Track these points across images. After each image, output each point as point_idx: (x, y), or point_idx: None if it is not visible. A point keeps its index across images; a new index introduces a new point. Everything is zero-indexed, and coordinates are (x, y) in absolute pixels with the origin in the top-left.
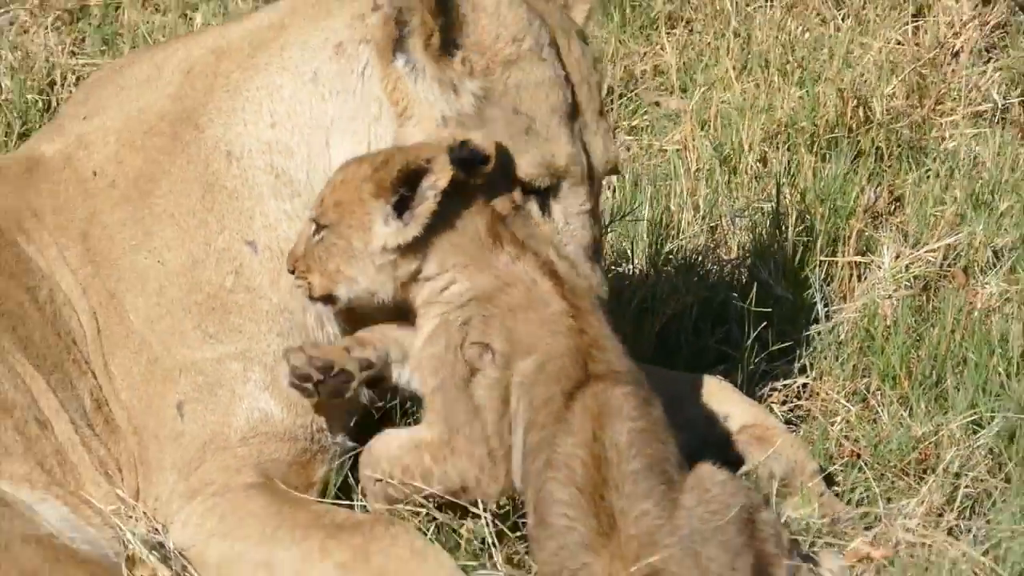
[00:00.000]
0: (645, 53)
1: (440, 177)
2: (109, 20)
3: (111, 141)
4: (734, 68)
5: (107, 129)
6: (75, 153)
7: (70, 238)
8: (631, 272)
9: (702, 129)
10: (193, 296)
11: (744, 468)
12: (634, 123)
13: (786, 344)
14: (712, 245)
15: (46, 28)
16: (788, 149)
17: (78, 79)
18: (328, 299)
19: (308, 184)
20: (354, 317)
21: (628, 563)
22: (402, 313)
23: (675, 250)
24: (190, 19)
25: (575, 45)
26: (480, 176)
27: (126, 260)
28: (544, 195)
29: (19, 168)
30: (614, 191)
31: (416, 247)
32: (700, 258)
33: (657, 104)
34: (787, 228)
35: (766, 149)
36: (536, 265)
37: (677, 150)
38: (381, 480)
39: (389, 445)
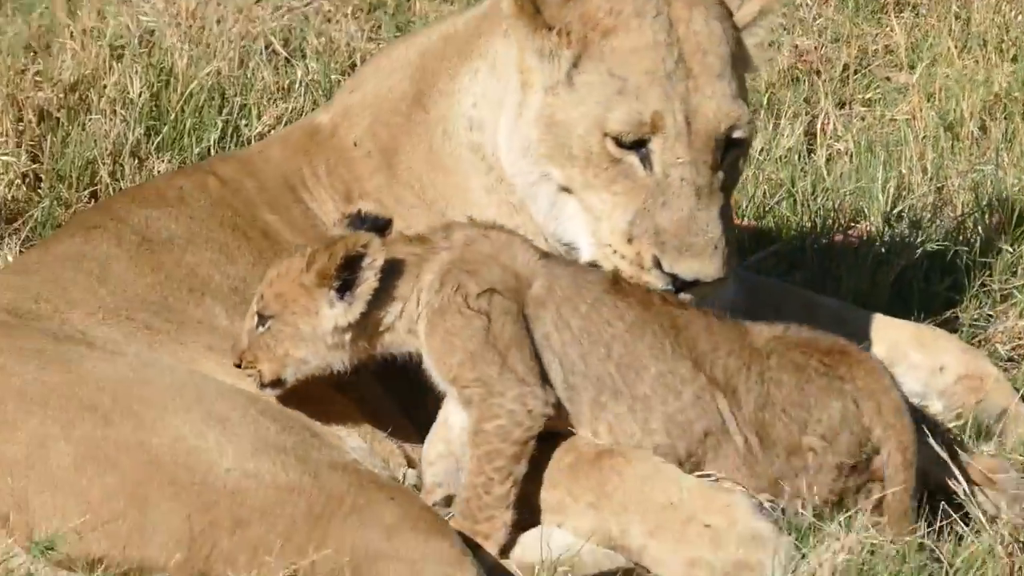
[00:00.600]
0: (877, 34)
1: (377, 257)
2: (402, 9)
3: (367, 115)
4: (955, 46)
5: (365, 104)
6: (341, 123)
7: (340, 197)
8: (868, 229)
9: (928, 101)
10: None
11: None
12: (868, 96)
13: (1007, 290)
14: (939, 203)
15: (346, 16)
16: (1005, 118)
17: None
18: (276, 383)
19: (494, 158)
20: None
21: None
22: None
23: (907, 208)
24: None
25: (698, 18)
26: (387, 236)
27: None
28: (642, 150)
29: (301, 133)
30: (851, 157)
31: (368, 313)
32: (929, 215)
33: (888, 79)
34: (1006, 187)
35: (985, 118)
36: (471, 227)
37: (906, 120)
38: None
39: (450, 444)
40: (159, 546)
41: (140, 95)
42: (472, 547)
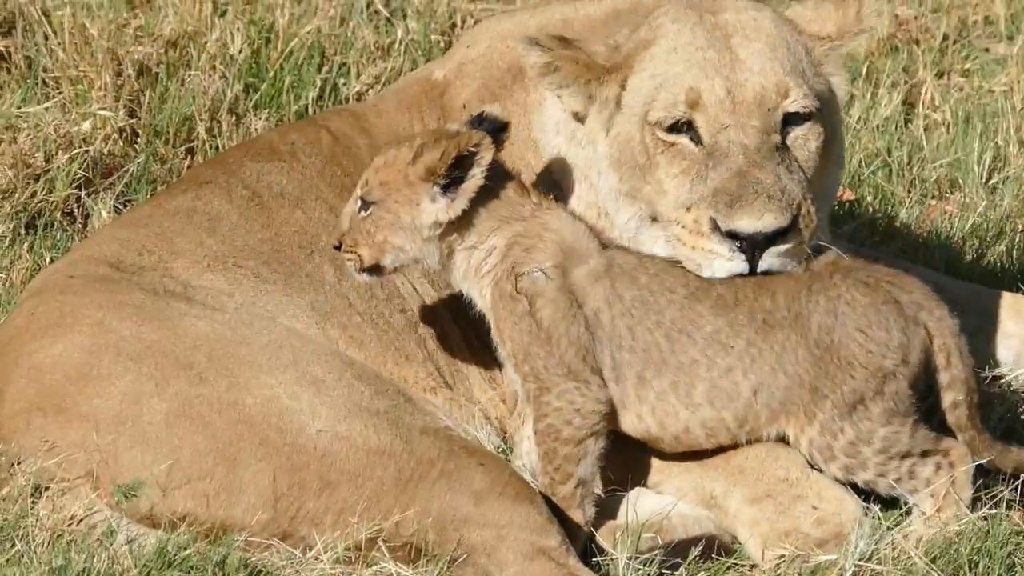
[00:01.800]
0: (977, 4)
1: (485, 156)
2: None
3: (477, 78)
4: None
5: (478, 64)
6: (454, 81)
7: None
8: (962, 200)
9: None
10: None
11: None
12: (966, 67)
13: None
14: None
15: None
16: None
17: (475, 22)
18: (375, 269)
19: (583, 171)
20: None
21: None
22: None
23: (1002, 180)
24: None
25: (745, 16)
26: (503, 142)
27: None
28: (690, 131)
29: (417, 88)
30: (948, 128)
31: (462, 219)
32: None
33: (987, 50)
34: None
35: None
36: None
37: (1004, 91)
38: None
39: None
40: (245, 505)
41: (240, 52)
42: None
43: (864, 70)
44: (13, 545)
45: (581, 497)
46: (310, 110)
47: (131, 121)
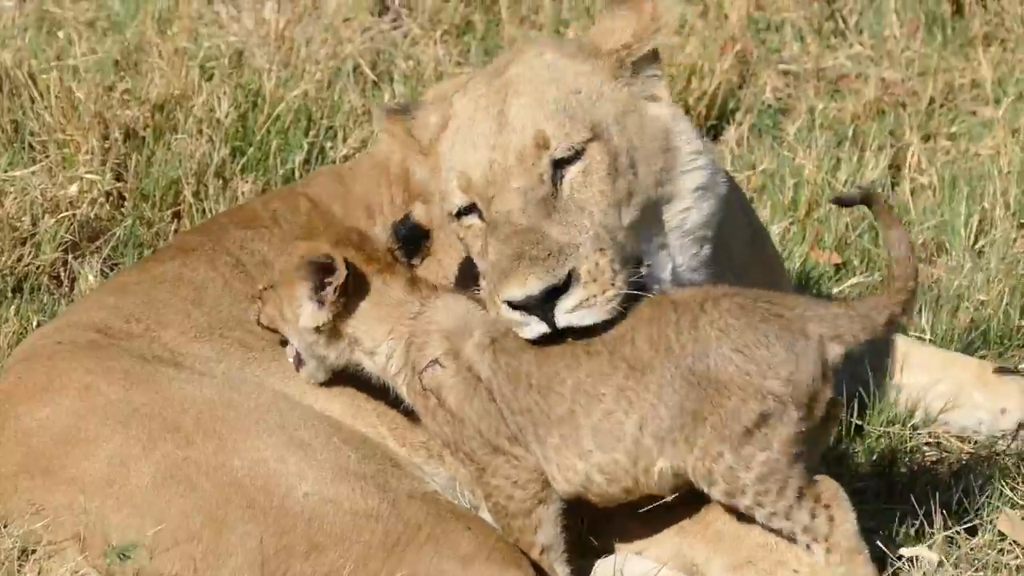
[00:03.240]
0: (963, 68)
1: (338, 277)
2: (491, 34)
3: (372, 176)
4: None
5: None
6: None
7: None
8: (948, 263)
9: (1013, 136)
10: None
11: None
12: (953, 130)
13: None
14: (1022, 239)
15: (435, 41)
16: None
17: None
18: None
19: None
20: None
21: None
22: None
23: (988, 243)
24: (562, 33)
25: (526, 65)
26: (425, 251)
27: (446, 260)
28: (476, 210)
29: (383, 155)
30: (935, 191)
31: (338, 329)
32: (1011, 250)
33: (973, 113)
34: None
35: None
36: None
37: (991, 155)
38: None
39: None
40: (232, 568)
41: (227, 115)
42: None
43: (851, 133)
44: None
45: (551, 561)
46: (297, 173)
47: (118, 184)
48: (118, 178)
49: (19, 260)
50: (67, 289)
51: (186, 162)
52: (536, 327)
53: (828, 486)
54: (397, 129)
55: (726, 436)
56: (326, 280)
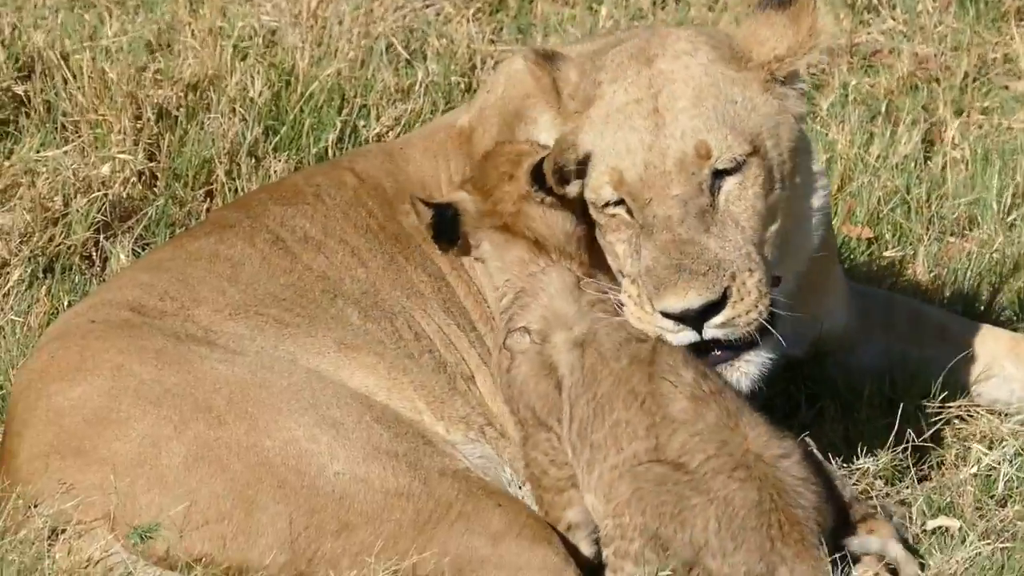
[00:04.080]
0: (996, 42)
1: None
2: (524, 12)
3: (496, 121)
4: None
5: (495, 108)
6: (476, 128)
7: None
8: (980, 237)
9: None
10: None
11: None
12: (985, 104)
13: None
14: None
15: (468, 19)
16: None
17: (495, 63)
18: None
19: None
20: None
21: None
22: None
23: (1021, 217)
24: (595, 11)
25: (679, 65)
26: (456, 248)
27: None
28: (624, 204)
29: (444, 134)
30: (967, 165)
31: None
32: None
33: (1006, 88)
34: None
35: None
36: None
37: (1023, 128)
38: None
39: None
40: (263, 547)
41: (260, 95)
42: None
43: (884, 108)
44: None
45: (577, 539)
46: (330, 152)
47: (150, 164)
48: (151, 158)
49: (51, 240)
50: (99, 269)
51: (219, 141)
52: (687, 335)
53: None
54: (543, 75)
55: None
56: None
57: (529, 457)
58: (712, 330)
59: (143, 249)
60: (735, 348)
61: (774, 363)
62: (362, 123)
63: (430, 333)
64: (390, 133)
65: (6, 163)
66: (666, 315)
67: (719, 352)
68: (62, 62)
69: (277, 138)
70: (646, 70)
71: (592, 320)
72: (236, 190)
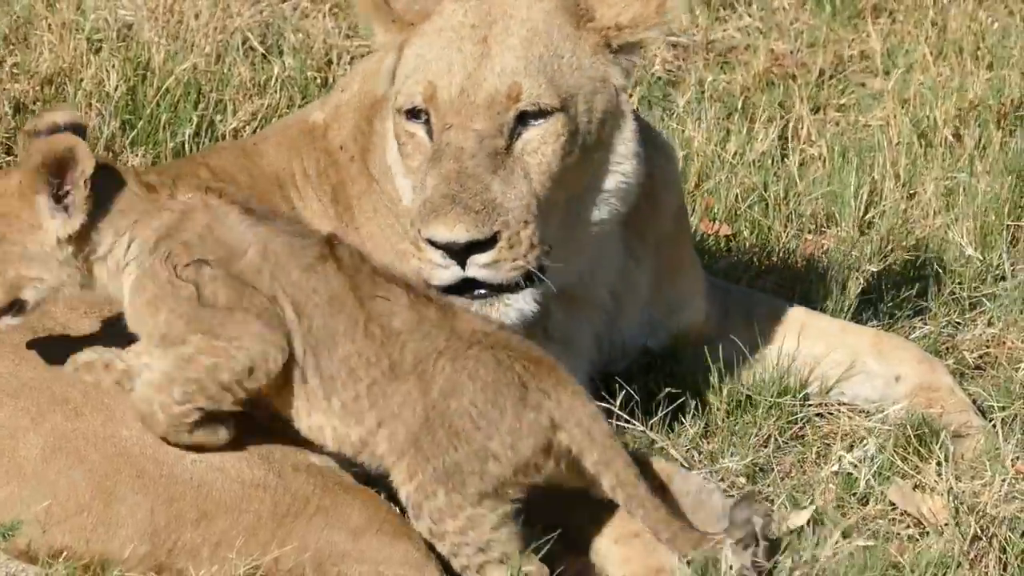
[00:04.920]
0: (852, 40)
1: (85, 165)
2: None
3: (351, 118)
4: (931, 53)
5: (351, 106)
6: (332, 124)
7: (328, 199)
8: (838, 234)
9: (902, 107)
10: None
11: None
12: (842, 102)
13: (975, 298)
14: (911, 210)
15: (324, 14)
16: (978, 126)
17: (351, 59)
18: (15, 305)
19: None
20: None
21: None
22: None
23: (878, 214)
24: None
25: (521, 4)
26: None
27: (364, 229)
28: (427, 124)
29: (297, 130)
30: (824, 162)
31: (88, 228)
32: (900, 222)
33: (863, 85)
34: (978, 195)
35: (958, 125)
36: (194, 187)
37: (880, 126)
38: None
39: (151, 383)
40: (123, 539)
41: (116, 89)
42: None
43: (740, 105)
44: None
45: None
46: (187, 147)
47: (7, 158)
48: (8, 152)
49: None
50: None
51: None
52: (453, 272)
53: (540, 570)
54: None
55: (444, 480)
56: (67, 178)
57: (242, 347)
58: (475, 268)
59: None
60: (496, 291)
61: (535, 313)
62: (219, 118)
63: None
64: (247, 128)
65: None
66: (432, 243)
67: (480, 291)
68: None
69: (134, 132)
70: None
71: (261, 234)
72: None
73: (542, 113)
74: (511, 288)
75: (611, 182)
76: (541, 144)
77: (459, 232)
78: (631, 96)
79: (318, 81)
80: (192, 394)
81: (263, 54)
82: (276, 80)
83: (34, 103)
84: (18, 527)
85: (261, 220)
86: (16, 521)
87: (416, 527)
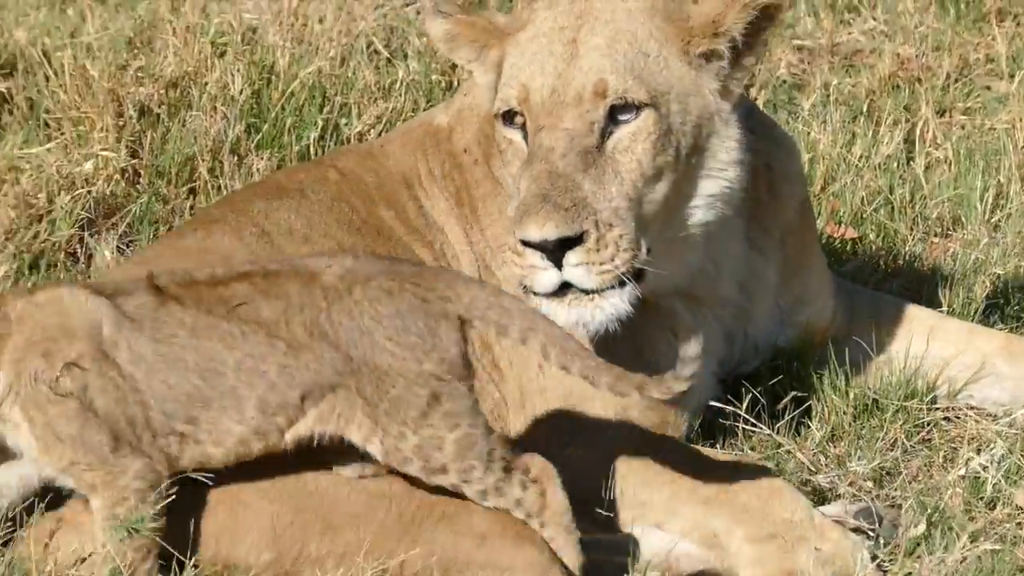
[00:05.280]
0: (978, 43)
1: None
2: (504, 11)
3: (474, 122)
4: None
5: (473, 109)
6: (455, 127)
7: (453, 199)
8: (964, 237)
9: None
10: None
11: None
12: (968, 105)
13: None
14: None
15: None
16: None
17: None
18: None
19: None
20: None
21: None
22: None
23: (1004, 217)
24: None
25: (609, 4)
26: None
27: (489, 231)
28: (523, 128)
29: (422, 132)
30: (950, 165)
31: None
32: None
33: (988, 88)
34: None
35: None
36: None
37: (1006, 128)
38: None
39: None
40: (248, 546)
41: (241, 92)
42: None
43: (865, 108)
44: None
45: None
46: (312, 150)
47: (133, 161)
48: (133, 155)
49: (35, 237)
50: (84, 266)
51: (201, 139)
52: (552, 275)
53: (536, 461)
54: (474, 20)
55: (403, 420)
56: None
57: (130, 490)
58: (569, 270)
59: (127, 247)
60: (588, 294)
61: (628, 314)
62: (343, 121)
63: None
64: (371, 132)
65: None
66: (527, 244)
67: (575, 294)
68: (44, 59)
69: (259, 136)
70: (580, 3)
71: (106, 307)
72: (219, 188)
73: (631, 108)
74: (602, 291)
75: (714, 187)
76: (632, 142)
77: (549, 229)
78: (755, 98)
79: (442, 85)
80: (142, 547)
81: (387, 58)
82: (400, 84)
83: (159, 106)
84: (142, 523)
85: (96, 292)
86: (139, 516)
87: (411, 473)
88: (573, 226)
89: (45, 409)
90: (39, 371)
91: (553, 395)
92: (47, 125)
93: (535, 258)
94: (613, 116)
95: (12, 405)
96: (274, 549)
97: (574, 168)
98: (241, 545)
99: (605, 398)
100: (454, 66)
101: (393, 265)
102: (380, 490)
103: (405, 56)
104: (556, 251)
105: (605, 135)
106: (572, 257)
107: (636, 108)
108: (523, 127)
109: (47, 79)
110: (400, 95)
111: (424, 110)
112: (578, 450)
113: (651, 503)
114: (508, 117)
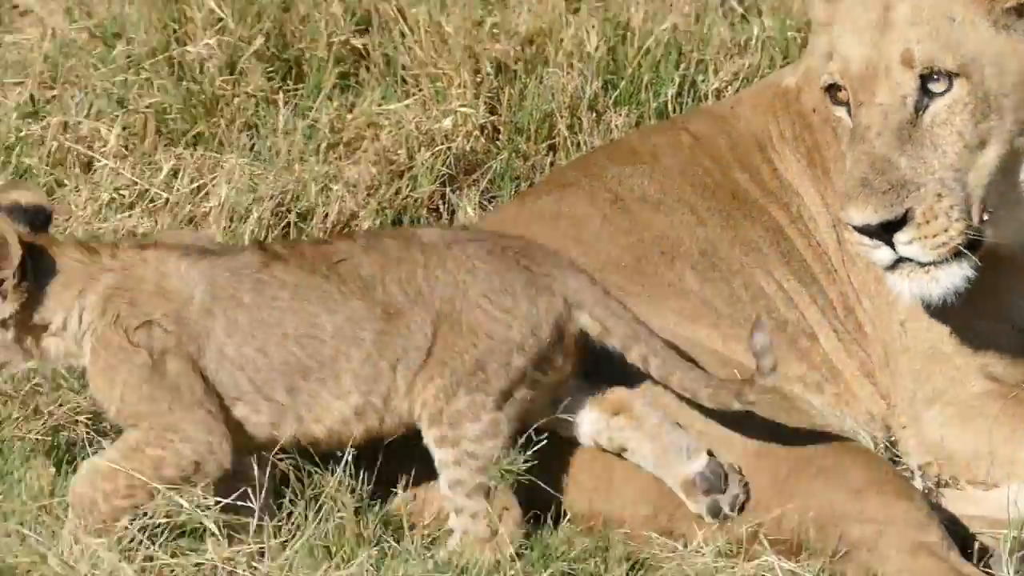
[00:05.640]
0: None
1: (13, 255)
2: None
3: (819, 83)
4: None
5: (817, 70)
6: (804, 87)
7: (804, 160)
8: None
9: None
10: None
11: None
12: None
13: None
14: None
15: None
16: None
17: None
18: None
19: None
20: None
21: None
22: None
23: None
24: None
25: None
26: (49, 223)
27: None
28: (847, 104)
29: (771, 93)
30: None
31: (27, 308)
32: None
33: None
34: None
35: None
36: (133, 245)
37: None
38: (102, 505)
39: (98, 470)
40: (625, 500)
41: (596, 49)
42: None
43: None
44: None
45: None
46: (669, 107)
47: (491, 118)
48: (492, 111)
49: (397, 193)
50: (447, 221)
51: (558, 96)
52: (884, 252)
53: (512, 501)
54: None
55: (466, 380)
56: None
57: (189, 441)
58: (902, 247)
59: (489, 203)
60: (924, 267)
61: (966, 287)
62: (700, 78)
63: (769, 292)
64: (728, 89)
65: (349, 116)
66: (854, 228)
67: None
68: (399, 15)
69: (616, 92)
70: None
71: (204, 272)
72: (579, 144)
73: (942, 78)
74: (939, 263)
75: None
76: (949, 114)
77: (868, 215)
78: None
79: (798, 41)
80: (135, 489)
81: (742, 14)
82: (756, 40)
83: (516, 63)
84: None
85: (202, 256)
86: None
87: (426, 437)
88: (893, 209)
89: (112, 352)
90: (121, 315)
91: (916, 353)
92: (404, 81)
93: (863, 238)
94: (925, 87)
95: (87, 336)
96: (651, 503)
97: (890, 148)
98: (617, 499)
99: (966, 356)
100: (808, 22)
101: (502, 238)
102: (757, 448)
103: (759, 12)
104: (882, 233)
105: (919, 108)
106: (902, 236)
107: (948, 77)
108: (847, 103)
109: (402, 36)
110: (756, 52)
111: (780, 67)
112: (945, 408)
113: (1020, 460)
114: (832, 91)
